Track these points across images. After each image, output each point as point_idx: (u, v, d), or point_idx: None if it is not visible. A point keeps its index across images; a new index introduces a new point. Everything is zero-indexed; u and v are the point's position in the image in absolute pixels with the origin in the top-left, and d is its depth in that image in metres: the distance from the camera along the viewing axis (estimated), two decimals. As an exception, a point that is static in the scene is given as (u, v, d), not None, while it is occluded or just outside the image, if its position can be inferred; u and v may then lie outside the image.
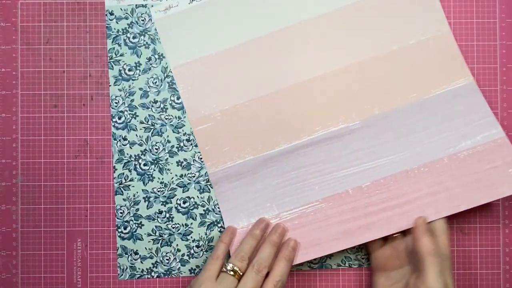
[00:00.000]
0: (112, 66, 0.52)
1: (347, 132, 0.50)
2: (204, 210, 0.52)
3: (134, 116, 0.52)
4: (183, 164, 0.52)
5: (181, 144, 0.52)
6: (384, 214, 0.49)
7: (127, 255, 0.52)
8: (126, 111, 0.52)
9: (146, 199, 0.52)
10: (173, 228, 0.52)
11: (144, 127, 0.52)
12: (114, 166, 0.52)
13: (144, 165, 0.52)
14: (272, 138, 0.51)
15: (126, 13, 0.52)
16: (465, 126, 0.50)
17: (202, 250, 0.52)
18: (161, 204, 0.52)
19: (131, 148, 0.52)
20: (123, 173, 0.52)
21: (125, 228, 0.52)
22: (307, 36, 0.51)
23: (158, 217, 0.52)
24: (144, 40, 0.52)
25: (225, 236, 0.49)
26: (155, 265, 0.52)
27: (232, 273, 0.46)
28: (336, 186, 0.50)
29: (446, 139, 0.50)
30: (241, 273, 0.46)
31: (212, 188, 0.52)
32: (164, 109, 0.52)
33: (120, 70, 0.52)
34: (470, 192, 0.49)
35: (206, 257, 0.52)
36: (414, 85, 0.51)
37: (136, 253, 0.52)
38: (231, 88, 0.51)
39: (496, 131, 0.49)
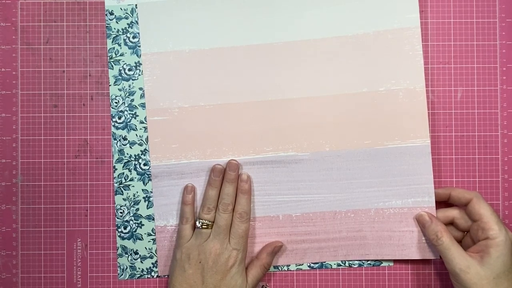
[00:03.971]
0: (112, 66, 0.52)
1: (294, 161, 0.51)
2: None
3: (134, 116, 0.52)
4: (183, 164, 0.52)
5: (181, 144, 0.52)
6: (302, 245, 0.51)
7: (127, 255, 0.52)
8: (126, 111, 0.52)
9: (146, 199, 0.52)
10: (173, 228, 0.52)
11: (144, 127, 0.52)
12: (114, 166, 0.52)
13: (144, 165, 0.52)
14: (222, 147, 0.51)
15: (126, 13, 0.52)
16: (402, 186, 0.50)
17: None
18: (161, 204, 0.52)
19: (131, 148, 0.52)
20: (123, 173, 0.52)
21: (125, 228, 0.52)
22: (283, 58, 0.51)
23: (158, 217, 0.52)
24: (144, 40, 0.52)
25: (186, 197, 0.50)
26: (155, 265, 0.52)
27: (205, 226, 0.48)
28: (269, 209, 0.51)
29: (381, 193, 0.50)
30: (212, 222, 0.48)
31: None
32: (164, 109, 0.52)
33: (120, 70, 0.52)
34: (380, 246, 0.50)
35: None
36: (371, 132, 0.50)
37: (136, 253, 0.52)
38: (195, 89, 0.51)
39: (428, 200, 0.50)
